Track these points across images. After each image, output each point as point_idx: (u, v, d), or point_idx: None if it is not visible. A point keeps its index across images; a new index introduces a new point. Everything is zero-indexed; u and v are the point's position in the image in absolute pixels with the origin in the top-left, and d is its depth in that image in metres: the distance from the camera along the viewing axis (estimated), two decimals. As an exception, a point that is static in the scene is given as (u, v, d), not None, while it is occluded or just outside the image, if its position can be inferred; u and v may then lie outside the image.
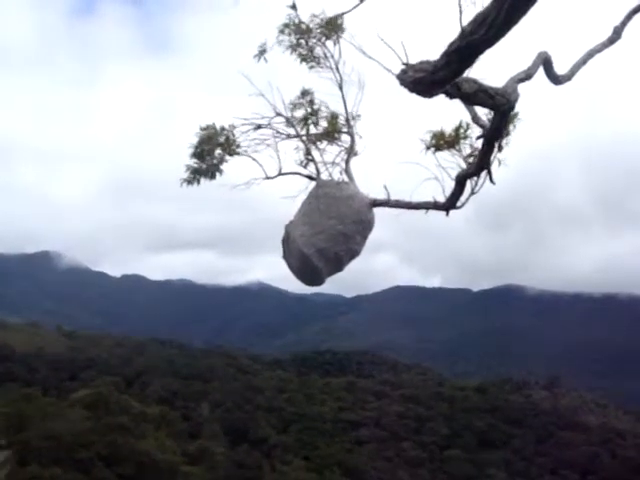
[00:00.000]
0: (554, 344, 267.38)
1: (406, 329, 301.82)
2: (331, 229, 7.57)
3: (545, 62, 6.37)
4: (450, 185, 7.45)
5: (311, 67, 8.65)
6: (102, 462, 45.90)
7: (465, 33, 4.16)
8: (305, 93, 8.81)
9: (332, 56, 8.56)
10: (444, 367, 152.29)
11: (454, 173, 7.41)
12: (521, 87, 5.74)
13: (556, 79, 6.44)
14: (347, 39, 8.18)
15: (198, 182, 8.26)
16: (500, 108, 5.49)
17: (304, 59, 8.60)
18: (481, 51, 4.25)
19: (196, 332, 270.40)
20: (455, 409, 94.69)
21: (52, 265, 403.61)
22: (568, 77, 6.51)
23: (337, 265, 7.79)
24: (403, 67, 4.96)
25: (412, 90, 4.87)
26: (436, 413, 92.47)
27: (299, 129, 8.70)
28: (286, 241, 7.85)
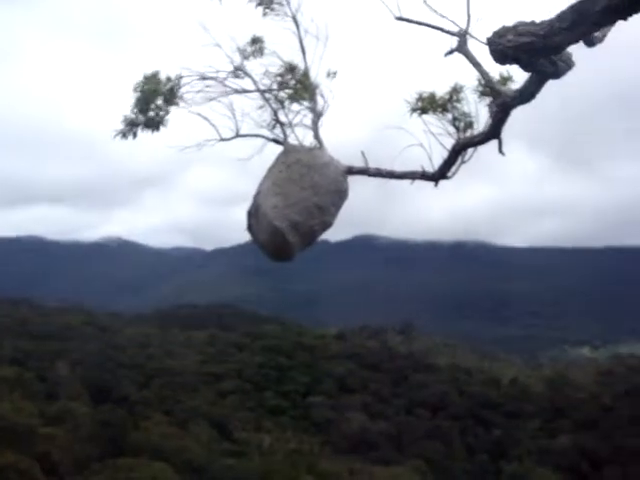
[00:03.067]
0: (408, 292, 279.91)
1: (265, 282, 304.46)
2: (306, 201, 6.90)
3: None
4: (437, 151, 6.92)
5: (265, 14, 7.74)
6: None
7: None
8: (256, 41, 7.93)
9: (289, 2, 7.66)
10: (303, 318, 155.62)
11: (442, 139, 6.91)
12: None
13: (590, 41, 5.72)
14: None
15: (134, 135, 7.52)
16: (559, 76, 4.98)
17: (259, 3, 7.67)
18: (635, 12, 3.61)
19: (51, 291, 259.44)
20: (315, 357, 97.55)
21: None
22: (600, 38, 5.78)
23: (310, 239, 7.25)
24: (497, 30, 4.33)
25: (509, 57, 4.28)
26: (297, 362, 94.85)
27: (263, 84, 7.85)
28: (254, 213, 7.12)
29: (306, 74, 7.73)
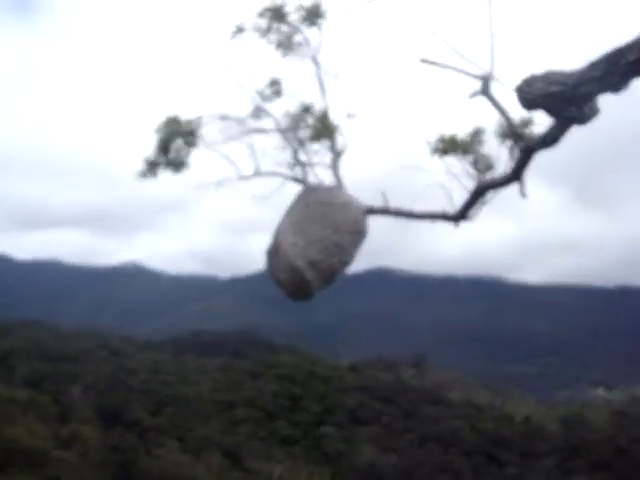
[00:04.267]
0: (423, 325, 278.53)
1: (280, 311, 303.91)
2: (325, 240, 6.87)
3: None
4: (456, 192, 6.94)
5: (285, 54, 7.89)
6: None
7: None
8: (274, 83, 8.08)
9: (309, 44, 7.81)
10: (318, 348, 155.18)
11: (463, 180, 6.95)
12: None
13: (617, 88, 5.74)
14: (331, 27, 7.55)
15: (155, 175, 7.74)
16: (584, 122, 4.94)
17: (279, 45, 7.81)
18: None
19: (67, 314, 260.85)
20: (328, 388, 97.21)
21: None
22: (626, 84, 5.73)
23: (329, 278, 7.13)
24: (526, 78, 4.39)
25: (537, 105, 4.32)
26: (310, 392, 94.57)
27: (282, 124, 7.99)
28: (273, 253, 7.09)
29: (325, 114, 7.82)
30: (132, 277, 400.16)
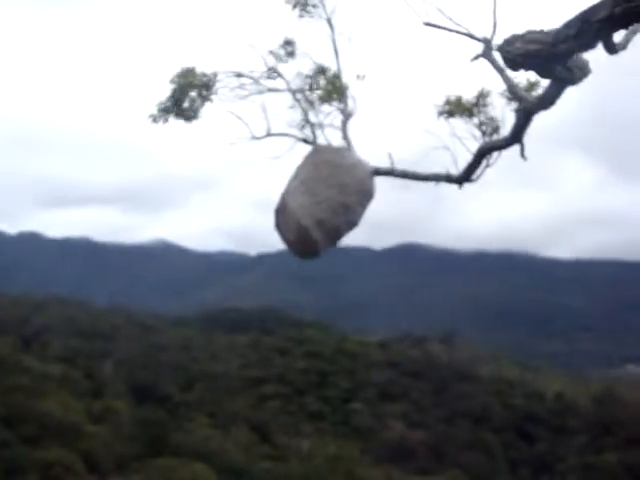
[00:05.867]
0: (452, 301, 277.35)
1: (309, 287, 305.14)
2: (332, 200, 6.94)
3: None
4: (462, 155, 6.98)
5: (301, 16, 7.98)
6: (1, 423, 44.94)
7: None
8: (288, 43, 8.18)
9: (324, 5, 7.83)
10: (346, 324, 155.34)
11: (467, 142, 6.99)
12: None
13: (612, 48, 5.73)
14: None
15: (165, 120, 7.79)
16: (575, 83, 5.07)
17: (295, 5, 7.91)
18: (636, 22, 3.76)
19: (98, 291, 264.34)
20: (357, 364, 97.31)
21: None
22: (623, 45, 5.92)
23: (336, 237, 7.30)
24: (507, 38, 4.45)
25: (518, 64, 4.41)
26: (338, 368, 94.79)
27: (294, 85, 8.06)
28: (281, 211, 7.16)
29: (337, 76, 7.91)
30: (161, 254, 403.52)
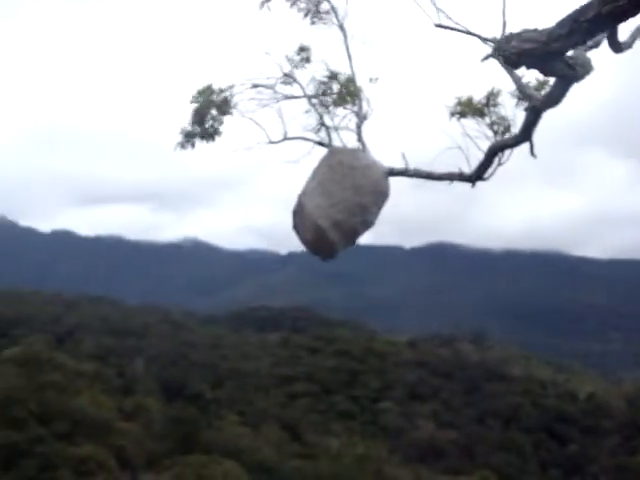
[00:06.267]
0: (482, 300, 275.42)
1: (338, 286, 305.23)
2: (348, 201, 7.16)
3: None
4: (475, 154, 7.13)
5: (313, 23, 8.17)
6: (35, 420, 45.65)
7: None
8: (303, 49, 8.40)
9: (336, 12, 8.01)
10: (376, 323, 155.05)
11: (479, 142, 7.14)
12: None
13: (618, 47, 5.98)
14: None
15: (192, 146, 8.04)
16: (578, 80, 5.22)
17: (307, 13, 8.12)
18: (623, 20, 3.91)
19: (129, 289, 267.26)
20: (386, 363, 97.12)
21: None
22: (629, 44, 6.12)
23: (352, 237, 7.45)
24: (504, 36, 4.62)
25: (514, 63, 4.57)
26: (368, 367, 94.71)
27: (309, 90, 8.28)
28: (298, 212, 7.41)
29: (350, 79, 8.10)
30: (192, 253, 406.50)
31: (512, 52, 4.47)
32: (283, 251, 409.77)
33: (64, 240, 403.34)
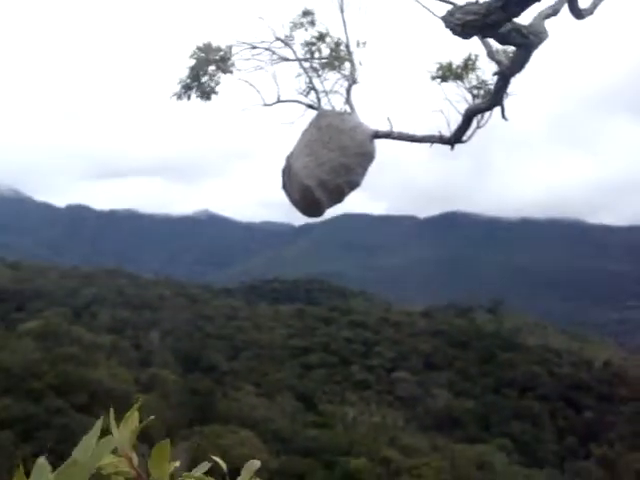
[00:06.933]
0: (498, 269, 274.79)
1: (353, 256, 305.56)
2: (333, 161, 7.45)
3: None
4: (455, 118, 7.32)
5: None
6: (54, 392, 46.09)
7: None
8: (307, 13, 8.55)
9: None
10: (391, 293, 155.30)
11: (460, 106, 7.32)
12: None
13: (579, 13, 6.29)
14: None
15: (188, 97, 8.19)
16: (532, 48, 5.46)
17: None
18: None
19: (144, 262, 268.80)
20: (401, 333, 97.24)
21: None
22: (590, 11, 6.37)
23: (338, 197, 7.75)
24: (450, 9, 4.87)
25: (459, 33, 4.81)
26: (383, 338, 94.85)
27: (300, 54, 8.53)
28: (287, 172, 7.73)
29: (339, 44, 8.42)
30: (206, 225, 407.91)
31: (456, 24, 4.70)
32: (296, 223, 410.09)
33: (79, 214, 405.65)
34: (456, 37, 4.91)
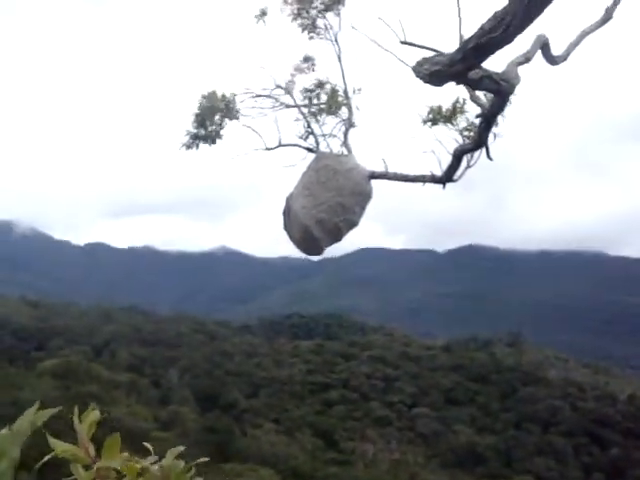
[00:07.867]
0: (518, 302, 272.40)
1: (372, 291, 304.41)
2: (330, 201, 7.79)
3: (543, 45, 6.57)
4: (447, 158, 7.66)
5: (311, 37, 8.88)
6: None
7: (484, 31, 4.31)
8: (307, 59, 9.11)
9: (331, 27, 8.80)
10: (410, 328, 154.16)
11: (451, 146, 7.62)
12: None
13: (552, 60, 6.71)
14: (349, 12, 8.59)
15: (197, 147, 8.48)
16: (505, 94, 5.71)
17: (305, 28, 8.79)
18: (499, 48, 4.47)
19: (162, 299, 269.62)
20: (422, 368, 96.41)
21: (12, 234, 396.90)
22: (564, 57, 6.78)
23: (336, 235, 8.04)
24: (419, 60, 5.14)
25: (427, 81, 5.07)
26: (403, 373, 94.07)
27: (300, 100, 8.96)
28: (287, 213, 8.07)
29: (335, 90, 8.92)
30: (223, 261, 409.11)
31: (425, 73, 4.95)
32: (315, 258, 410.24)
33: (98, 252, 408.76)
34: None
